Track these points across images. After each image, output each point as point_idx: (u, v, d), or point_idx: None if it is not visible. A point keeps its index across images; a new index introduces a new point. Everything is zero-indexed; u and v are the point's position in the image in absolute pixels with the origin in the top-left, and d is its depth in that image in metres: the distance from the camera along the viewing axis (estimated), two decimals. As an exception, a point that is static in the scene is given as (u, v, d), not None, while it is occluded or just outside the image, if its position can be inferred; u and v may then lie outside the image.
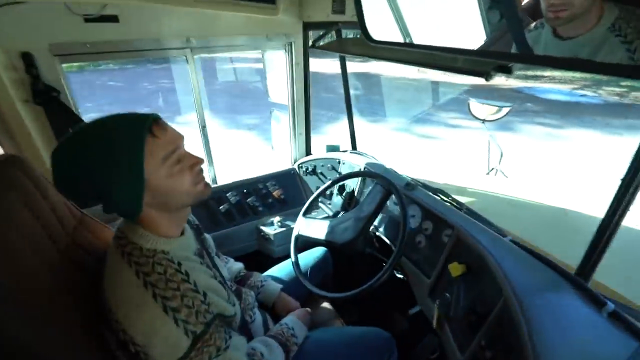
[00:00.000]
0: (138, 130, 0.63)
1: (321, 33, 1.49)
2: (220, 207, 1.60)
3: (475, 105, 2.68)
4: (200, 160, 0.73)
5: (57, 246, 0.72)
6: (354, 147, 1.84)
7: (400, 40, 0.89)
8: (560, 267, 0.90)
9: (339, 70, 1.71)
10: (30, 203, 0.70)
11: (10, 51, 1.09)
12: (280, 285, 1.25)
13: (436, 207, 1.17)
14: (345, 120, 1.83)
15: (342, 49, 1.41)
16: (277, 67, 1.75)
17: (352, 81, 1.95)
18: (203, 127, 1.59)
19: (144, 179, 0.64)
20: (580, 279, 0.85)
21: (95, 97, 7.58)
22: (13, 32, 1.08)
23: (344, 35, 1.54)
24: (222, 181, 1.71)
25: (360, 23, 0.97)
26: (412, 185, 1.32)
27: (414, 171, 1.58)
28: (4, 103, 1.12)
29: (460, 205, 1.23)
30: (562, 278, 0.87)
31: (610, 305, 0.77)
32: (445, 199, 1.26)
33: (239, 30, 1.45)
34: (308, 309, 1.18)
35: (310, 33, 1.60)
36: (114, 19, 1.20)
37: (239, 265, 1.26)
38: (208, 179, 1.18)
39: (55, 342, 0.58)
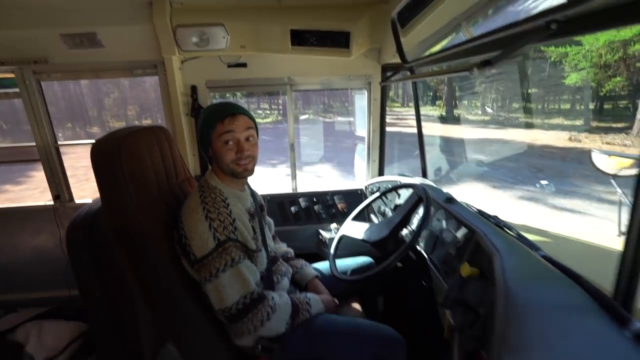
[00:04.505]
0: (216, 116, 1.04)
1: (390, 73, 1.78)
2: (292, 208, 1.93)
3: (600, 158, 2.22)
4: (243, 152, 1.05)
5: (169, 183, 1.18)
6: (424, 175, 1.89)
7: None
8: (592, 285, 0.76)
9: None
10: (164, 152, 1.19)
11: (187, 84, 1.82)
12: (317, 273, 1.39)
13: (468, 219, 1.14)
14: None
15: (400, 79, 1.65)
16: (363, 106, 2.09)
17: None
18: (291, 145, 2.04)
19: (209, 140, 1.05)
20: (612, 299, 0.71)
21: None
22: (190, 73, 1.82)
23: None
24: (300, 189, 2.06)
25: (398, 49, 1.20)
26: (453, 200, 1.31)
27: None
28: (176, 114, 1.82)
29: (498, 222, 1.15)
30: (589, 297, 0.74)
31: (637, 324, 0.63)
32: (487, 217, 1.20)
33: (327, 72, 1.89)
34: (335, 300, 1.27)
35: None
36: (244, 65, 1.83)
37: (289, 250, 1.48)
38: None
39: (154, 229, 0.98)
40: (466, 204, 1.36)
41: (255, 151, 1.10)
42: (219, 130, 1.03)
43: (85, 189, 6.00)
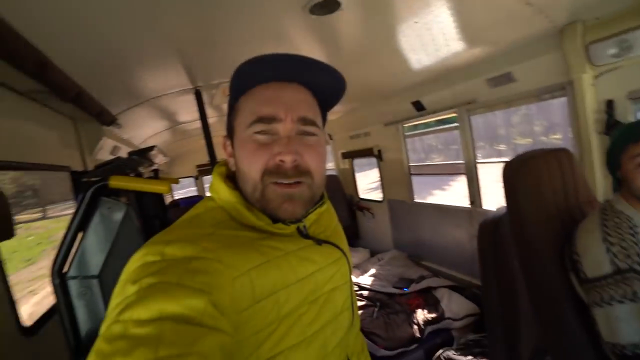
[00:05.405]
0: (630, 137, 1.01)
1: None
2: None
3: None
4: None
5: (568, 203, 1.24)
6: None
7: None
8: None
9: None
10: (565, 173, 1.25)
11: (601, 100, 1.67)
12: None
13: None
14: None
15: None
16: None
17: None
18: None
19: (618, 161, 1.04)
20: None
21: None
22: (605, 87, 1.66)
23: None
24: None
25: None
26: None
27: None
28: (586, 133, 1.72)
29: None
30: None
31: None
32: None
33: None
34: None
35: None
36: None
37: None
38: None
39: (547, 242, 1.12)
40: None
41: None
42: (632, 152, 0.98)
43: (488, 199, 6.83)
